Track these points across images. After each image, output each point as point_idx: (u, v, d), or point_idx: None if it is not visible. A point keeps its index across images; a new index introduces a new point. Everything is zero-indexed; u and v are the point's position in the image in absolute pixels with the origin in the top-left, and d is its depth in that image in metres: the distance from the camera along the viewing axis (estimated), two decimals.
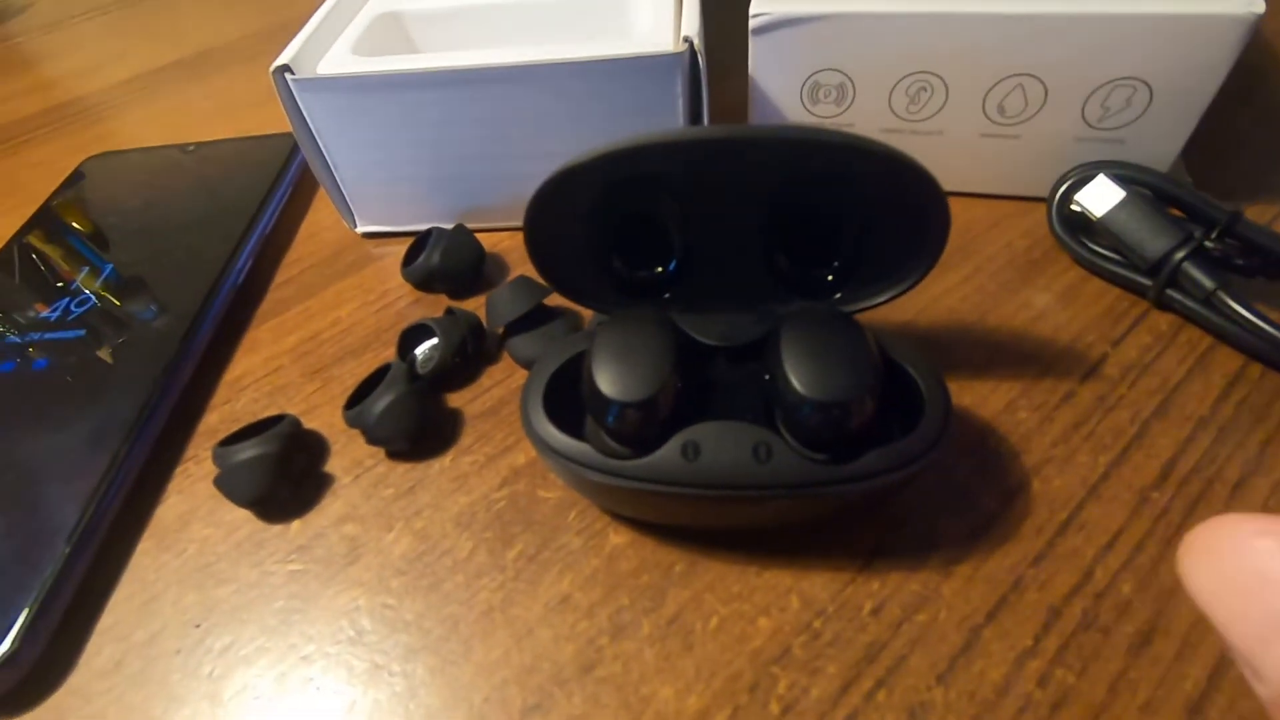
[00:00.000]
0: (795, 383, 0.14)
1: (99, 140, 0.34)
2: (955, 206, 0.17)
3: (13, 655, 0.15)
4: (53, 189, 0.29)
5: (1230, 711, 0.13)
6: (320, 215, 0.28)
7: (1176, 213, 0.20)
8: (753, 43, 0.22)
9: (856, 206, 0.16)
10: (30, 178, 0.32)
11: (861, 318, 0.16)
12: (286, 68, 0.22)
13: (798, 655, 0.15)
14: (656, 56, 0.20)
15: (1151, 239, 0.20)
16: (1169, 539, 0.16)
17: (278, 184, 0.27)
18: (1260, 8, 0.18)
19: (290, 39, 0.23)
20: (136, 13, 0.46)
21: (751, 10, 0.21)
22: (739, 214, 0.17)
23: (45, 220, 0.27)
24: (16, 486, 0.18)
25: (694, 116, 0.22)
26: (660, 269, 0.18)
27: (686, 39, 0.20)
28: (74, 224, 0.27)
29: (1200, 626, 0.14)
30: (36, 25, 0.46)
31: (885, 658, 0.15)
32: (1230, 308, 0.18)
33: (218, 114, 0.35)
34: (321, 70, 0.22)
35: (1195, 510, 0.16)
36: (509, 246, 0.25)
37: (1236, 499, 0.16)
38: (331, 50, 0.23)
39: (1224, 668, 0.14)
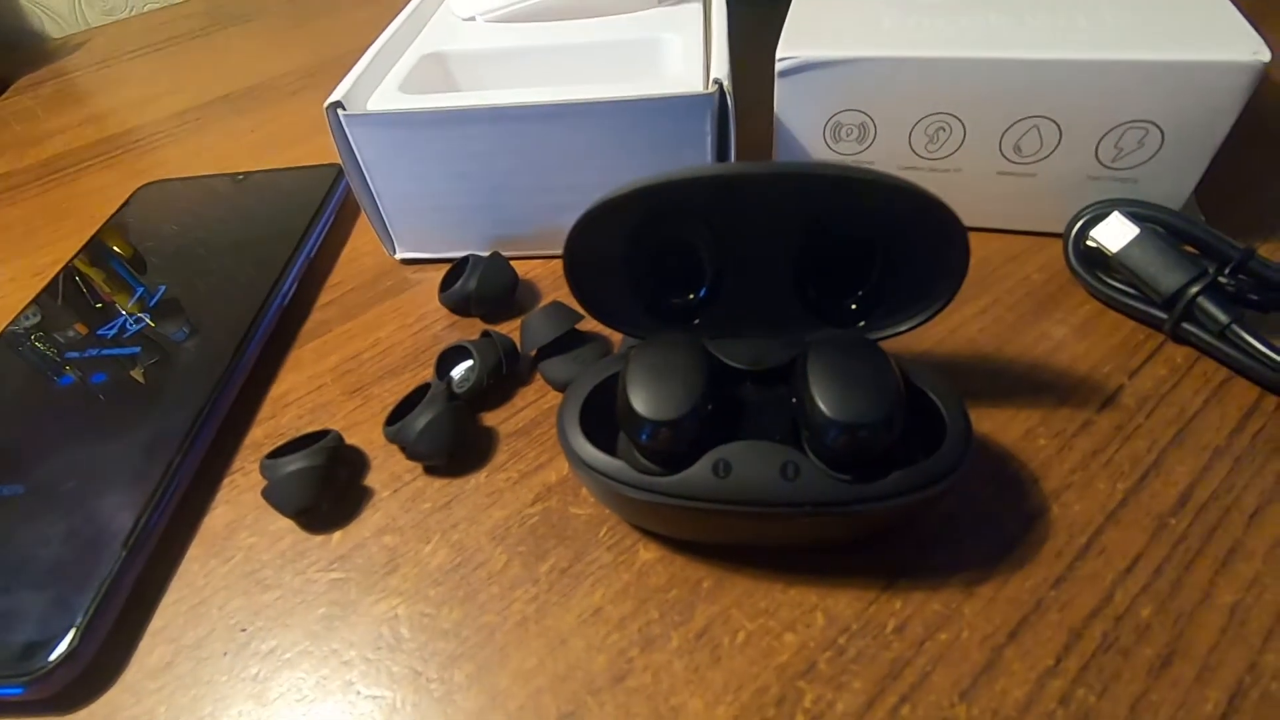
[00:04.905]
0: (822, 405, 0.15)
1: (151, 170, 0.35)
2: (972, 241, 0.18)
3: (72, 653, 0.16)
4: (108, 214, 0.31)
5: None
6: (360, 242, 0.29)
7: (1190, 249, 0.21)
8: (778, 84, 0.23)
9: (882, 239, 0.17)
10: (86, 204, 0.33)
11: (884, 345, 0.17)
12: (339, 104, 0.23)
13: (823, 670, 0.15)
14: (688, 97, 0.22)
15: (1166, 274, 0.20)
16: (1188, 564, 0.16)
17: (321, 211, 0.29)
18: (1266, 55, 0.19)
19: (330, 76, 0.25)
20: (186, 50, 0.49)
21: (778, 54, 0.23)
22: (769, 244, 0.17)
23: (102, 243, 0.29)
24: (77, 493, 0.19)
25: (721, 153, 0.23)
26: (691, 295, 0.19)
27: (717, 81, 0.22)
28: (130, 247, 0.28)
29: (1220, 649, 0.15)
30: (91, 61, 0.49)
31: (909, 674, 0.15)
32: (1245, 341, 0.19)
33: (262, 146, 0.36)
34: (371, 106, 0.23)
35: (1213, 537, 0.17)
36: (541, 274, 0.26)
37: (1254, 527, 0.17)
38: (380, 87, 0.25)
39: (1245, 690, 0.14)
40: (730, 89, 0.22)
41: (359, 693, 0.16)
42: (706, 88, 0.22)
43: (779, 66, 0.23)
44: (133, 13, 0.57)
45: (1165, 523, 0.17)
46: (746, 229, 0.17)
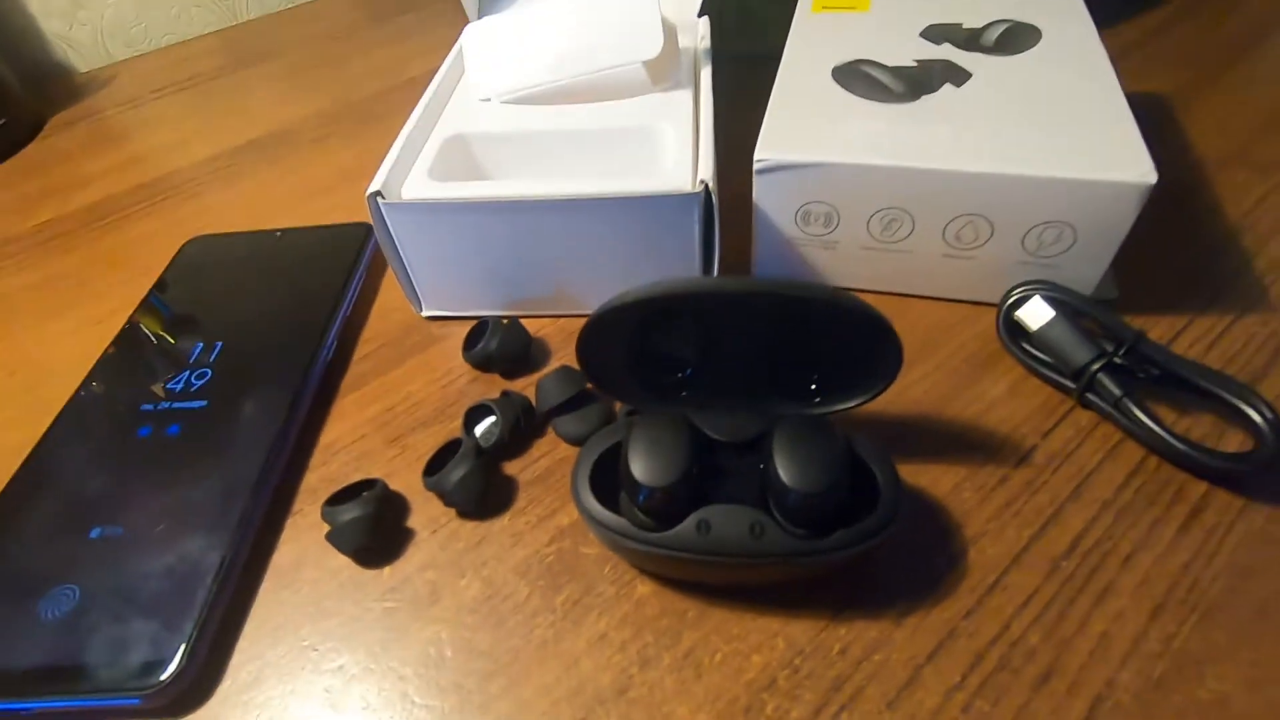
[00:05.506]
0: (783, 475, 0.19)
1: (192, 217, 0.39)
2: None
3: (181, 671, 0.20)
4: (156, 264, 0.34)
5: None
6: (388, 298, 0.33)
7: (1097, 329, 0.25)
8: (756, 180, 0.27)
9: (834, 338, 0.21)
10: (135, 253, 0.37)
11: (839, 415, 0.21)
12: (379, 193, 0.27)
13: (781, 685, 0.19)
14: (677, 195, 0.25)
15: (1074, 351, 0.24)
16: (1072, 599, 0.20)
17: (355, 268, 0.32)
18: (1153, 178, 0.23)
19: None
20: (209, 90, 0.52)
21: (756, 155, 0.26)
22: (743, 336, 0.21)
23: (159, 298, 0.32)
24: (168, 534, 0.23)
25: (706, 242, 0.27)
26: (679, 374, 0.23)
27: (703, 181, 0.25)
28: (184, 303, 0.32)
29: (1087, 668, 0.19)
30: (120, 100, 0.52)
31: (848, 688, 0.19)
32: (1132, 412, 0.23)
33: (293, 195, 0.40)
34: (405, 195, 0.27)
35: (1093, 577, 0.21)
36: (551, 331, 0.30)
37: (1126, 569, 0.21)
38: (411, 174, 0.28)
39: (1102, 700, 0.18)
40: (714, 187, 0.25)
41: (414, 702, 0.20)
42: (694, 184, 0.26)
43: (757, 166, 0.27)
44: (151, 45, 0.59)
45: (1058, 565, 0.21)
46: (725, 325, 0.21)
